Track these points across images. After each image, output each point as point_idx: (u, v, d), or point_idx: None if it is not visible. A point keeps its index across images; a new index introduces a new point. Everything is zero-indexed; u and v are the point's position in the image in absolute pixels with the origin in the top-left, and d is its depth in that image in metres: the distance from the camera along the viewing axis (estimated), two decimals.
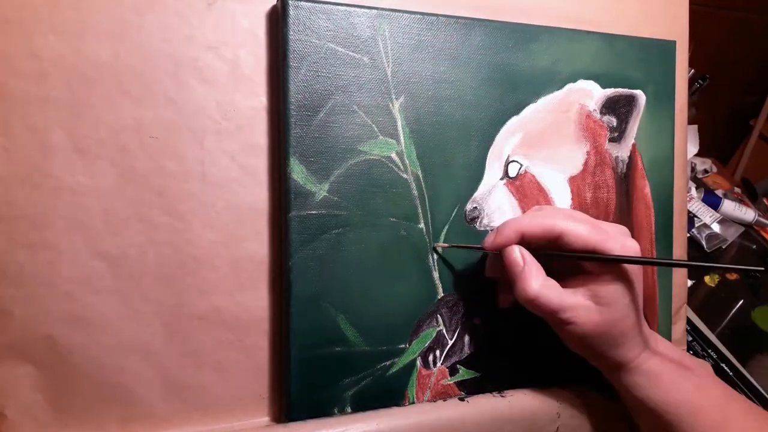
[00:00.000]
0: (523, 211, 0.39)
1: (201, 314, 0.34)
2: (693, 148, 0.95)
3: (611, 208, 0.41)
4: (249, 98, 0.34)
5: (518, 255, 0.33)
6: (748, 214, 0.92)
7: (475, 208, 0.38)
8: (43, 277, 0.31)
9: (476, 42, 0.37)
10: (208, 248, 0.34)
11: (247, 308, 0.34)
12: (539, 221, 0.34)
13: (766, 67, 1.31)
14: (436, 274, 0.37)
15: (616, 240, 0.33)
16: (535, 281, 0.33)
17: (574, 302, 0.33)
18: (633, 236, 0.35)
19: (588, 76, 0.40)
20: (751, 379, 0.60)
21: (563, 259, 0.34)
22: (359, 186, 0.35)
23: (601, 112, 0.41)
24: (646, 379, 0.35)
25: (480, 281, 0.38)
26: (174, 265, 0.33)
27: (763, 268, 0.30)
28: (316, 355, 0.34)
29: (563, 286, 0.34)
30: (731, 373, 0.61)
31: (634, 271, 0.34)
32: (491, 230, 0.38)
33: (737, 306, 0.73)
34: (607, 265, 0.33)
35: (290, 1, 0.33)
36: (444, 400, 0.37)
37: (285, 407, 0.34)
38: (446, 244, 0.37)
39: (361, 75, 0.34)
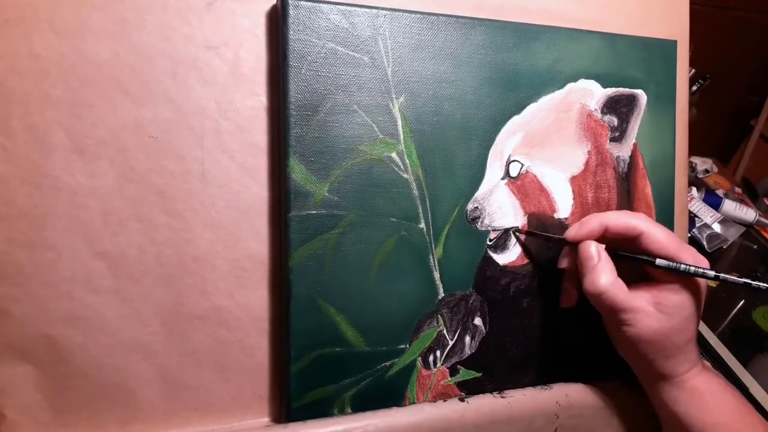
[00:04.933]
0: (525, 212, 0.39)
1: (201, 314, 0.34)
2: None
3: (612, 208, 0.41)
4: (249, 98, 0.34)
5: (594, 250, 0.34)
6: (749, 214, 0.92)
7: (477, 208, 0.38)
8: (43, 277, 0.31)
9: (477, 41, 0.37)
10: (208, 248, 0.34)
11: (247, 308, 0.34)
12: (624, 218, 0.35)
13: (767, 67, 1.31)
14: (436, 275, 0.37)
15: (690, 251, 0.34)
16: (606, 277, 0.34)
17: (637, 305, 0.34)
18: None
19: (589, 76, 0.40)
20: (743, 380, 0.59)
21: (638, 263, 0.35)
22: (359, 186, 0.35)
23: (602, 112, 0.41)
24: (689, 396, 0.36)
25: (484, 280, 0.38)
26: (174, 265, 0.33)
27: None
28: (316, 355, 0.34)
29: (629, 289, 0.34)
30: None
31: (701, 287, 0.35)
32: (493, 230, 0.38)
33: (738, 306, 0.73)
34: (676, 275, 0.34)
35: (290, 1, 0.33)
36: (444, 401, 0.37)
37: (285, 407, 0.34)
38: (524, 232, 0.38)
39: (361, 74, 0.34)
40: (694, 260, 0.34)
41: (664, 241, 0.34)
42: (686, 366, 0.35)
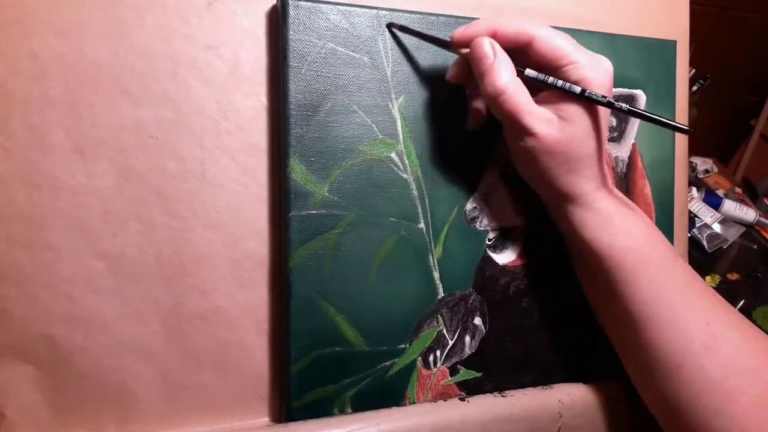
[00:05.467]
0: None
1: (201, 314, 0.34)
2: None
3: None
4: (249, 98, 0.34)
5: (489, 47, 0.31)
6: (749, 214, 0.92)
7: (475, 208, 0.38)
8: (43, 277, 0.31)
9: None
10: (208, 248, 0.34)
11: (247, 308, 0.34)
12: (514, 22, 0.31)
13: (767, 66, 1.31)
14: (436, 274, 0.37)
15: (587, 54, 0.31)
16: (506, 74, 0.30)
17: (538, 111, 0.31)
18: None
19: None
20: None
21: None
22: (359, 186, 0.35)
23: None
24: (596, 219, 0.33)
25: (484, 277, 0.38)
26: (174, 265, 0.33)
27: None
28: (316, 355, 0.34)
29: None
30: None
31: (605, 91, 0.32)
32: (492, 230, 0.38)
33: (737, 306, 0.73)
34: (575, 79, 0.31)
35: (290, 1, 0.33)
36: (444, 400, 0.37)
37: (285, 407, 0.34)
38: (399, 27, 0.35)
39: (361, 75, 0.34)
40: (591, 62, 0.31)
41: (558, 41, 0.31)
42: (592, 184, 0.33)
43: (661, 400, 0.34)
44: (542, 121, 0.31)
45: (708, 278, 0.78)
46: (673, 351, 0.32)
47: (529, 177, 0.35)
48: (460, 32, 0.32)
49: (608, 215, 0.34)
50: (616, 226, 0.34)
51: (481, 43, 0.31)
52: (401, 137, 0.36)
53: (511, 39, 0.32)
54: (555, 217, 0.37)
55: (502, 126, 0.33)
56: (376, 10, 0.35)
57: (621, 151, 0.42)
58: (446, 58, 0.36)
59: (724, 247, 0.85)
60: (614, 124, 0.41)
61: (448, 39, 0.33)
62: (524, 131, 0.31)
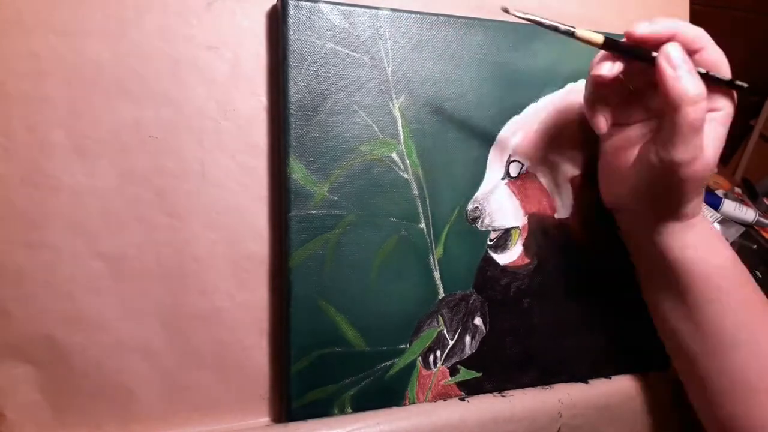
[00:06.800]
0: (525, 212, 0.39)
1: (201, 314, 0.34)
2: None
3: None
4: (249, 98, 0.34)
5: (682, 52, 0.29)
6: (749, 214, 0.92)
7: (477, 207, 0.38)
8: (43, 277, 0.31)
9: (476, 41, 0.37)
10: (208, 248, 0.33)
11: (247, 308, 0.34)
12: (693, 28, 0.31)
13: (767, 67, 1.31)
14: (437, 275, 0.37)
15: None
16: (699, 83, 0.28)
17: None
18: None
19: None
20: None
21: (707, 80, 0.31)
22: (359, 186, 0.35)
23: None
24: (699, 238, 0.34)
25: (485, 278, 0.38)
26: (174, 265, 0.33)
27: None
28: (316, 355, 0.34)
29: None
30: None
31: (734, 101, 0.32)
32: (494, 230, 0.38)
33: None
34: (722, 91, 0.31)
35: (290, 1, 0.33)
36: (444, 401, 0.37)
37: (285, 407, 0.34)
38: (521, 14, 0.32)
39: (361, 75, 0.34)
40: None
41: (719, 60, 0.31)
42: (700, 206, 0.34)
43: (734, 421, 0.34)
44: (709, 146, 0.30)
45: None
46: (757, 374, 0.33)
47: (653, 199, 0.34)
48: (646, 27, 0.30)
49: (707, 234, 0.35)
50: (712, 245, 0.35)
51: (676, 46, 0.30)
52: (402, 137, 0.35)
53: (687, 43, 0.30)
54: (652, 240, 0.35)
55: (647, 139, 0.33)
56: (376, 10, 0.35)
57: None
58: (447, 58, 0.36)
59: None
60: None
61: (571, 28, 0.31)
62: (697, 151, 0.29)
